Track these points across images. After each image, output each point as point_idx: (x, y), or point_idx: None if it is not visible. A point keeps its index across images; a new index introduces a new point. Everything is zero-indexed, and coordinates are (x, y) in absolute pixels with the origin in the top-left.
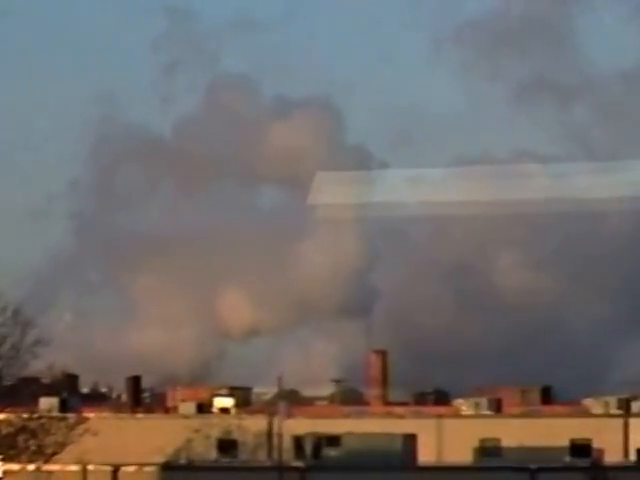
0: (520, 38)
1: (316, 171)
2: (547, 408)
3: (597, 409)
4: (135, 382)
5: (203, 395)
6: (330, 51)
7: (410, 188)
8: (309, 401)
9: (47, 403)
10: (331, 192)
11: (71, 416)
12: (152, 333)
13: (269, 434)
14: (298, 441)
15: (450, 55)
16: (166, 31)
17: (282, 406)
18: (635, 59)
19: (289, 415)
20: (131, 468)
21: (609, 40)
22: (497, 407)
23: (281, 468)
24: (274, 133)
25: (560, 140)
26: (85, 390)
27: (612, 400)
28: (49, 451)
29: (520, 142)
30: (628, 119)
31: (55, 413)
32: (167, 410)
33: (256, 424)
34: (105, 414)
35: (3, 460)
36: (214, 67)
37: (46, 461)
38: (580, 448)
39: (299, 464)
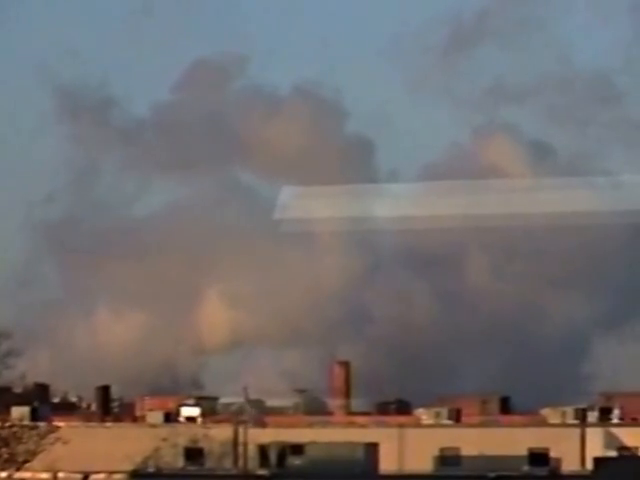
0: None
1: (305, 164)
2: (506, 418)
3: (554, 419)
4: (104, 392)
5: (170, 405)
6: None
7: (380, 202)
8: (274, 411)
9: (19, 412)
10: (299, 206)
11: (42, 425)
12: (123, 342)
13: (235, 443)
14: (263, 450)
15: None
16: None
17: (251, 412)
18: (597, 58)
19: (259, 421)
20: (101, 476)
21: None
22: (457, 417)
23: (246, 476)
24: (259, 122)
25: (523, 146)
26: (55, 400)
27: (569, 410)
28: (21, 459)
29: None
30: (589, 122)
31: (26, 422)
32: (135, 419)
33: (222, 433)
34: (75, 423)
35: None
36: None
37: (18, 469)
38: (538, 457)
39: (264, 472)
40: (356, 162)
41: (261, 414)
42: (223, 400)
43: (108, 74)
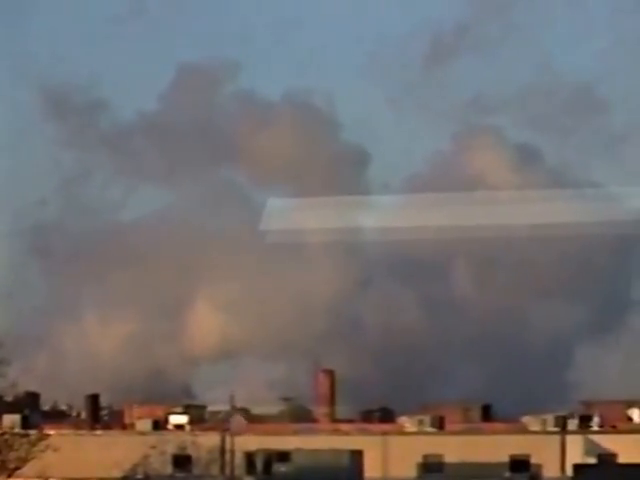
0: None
1: (294, 171)
2: (487, 425)
3: (535, 426)
4: (94, 400)
5: (159, 412)
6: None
7: (367, 213)
8: (260, 419)
9: (10, 420)
10: (286, 217)
11: (33, 433)
12: (112, 350)
13: (222, 450)
14: (249, 457)
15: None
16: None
17: (236, 420)
18: (579, 68)
19: (242, 428)
20: None
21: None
22: (440, 424)
23: None
24: (249, 129)
25: (506, 155)
26: (46, 408)
27: (550, 418)
28: (12, 466)
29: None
30: (572, 132)
31: (17, 430)
32: (124, 427)
33: (209, 440)
34: (65, 431)
35: None
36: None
37: (9, 476)
38: (519, 463)
39: (250, 479)
40: (344, 171)
41: (245, 421)
42: (211, 408)
43: (97, 77)
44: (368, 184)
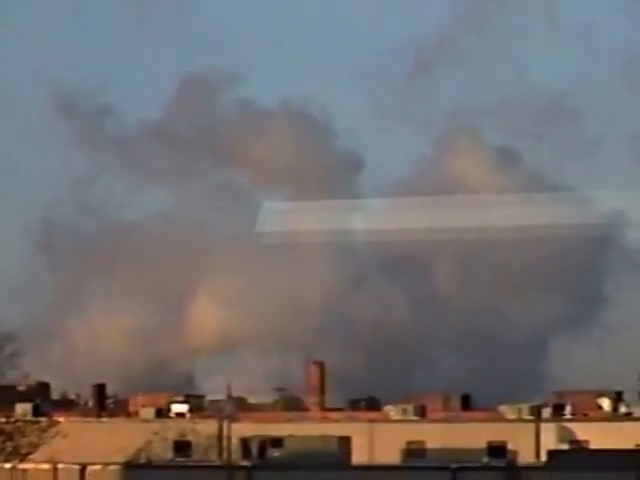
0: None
1: (290, 175)
2: (467, 414)
3: (511, 415)
4: (100, 389)
5: (161, 401)
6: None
7: (358, 216)
8: (256, 407)
9: (22, 408)
10: (282, 220)
11: (43, 420)
12: (118, 342)
13: (219, 436)
14: (245, 443)
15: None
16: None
17: (228, 408)
18: (553, 79)
19: (234, 416)
20: (97, 467)
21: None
22: (422, 413)
23: (230, 467)
24: (248, 137)
25: (485, 159)
26: (56, 397)
27: (525, 407)
28: (24, 452)
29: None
30: (546, 140)
31: (29, 417)
32: (129, 415)
33: (208, 427)
34: (74, 418)
35: None
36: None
37: (21, 460)
38: (496, 450)
39: (246, 463)
40: (338, 175)
41: (237, 410)
42: (210, 397)
43: (103, 83)
44: (360, 187)
